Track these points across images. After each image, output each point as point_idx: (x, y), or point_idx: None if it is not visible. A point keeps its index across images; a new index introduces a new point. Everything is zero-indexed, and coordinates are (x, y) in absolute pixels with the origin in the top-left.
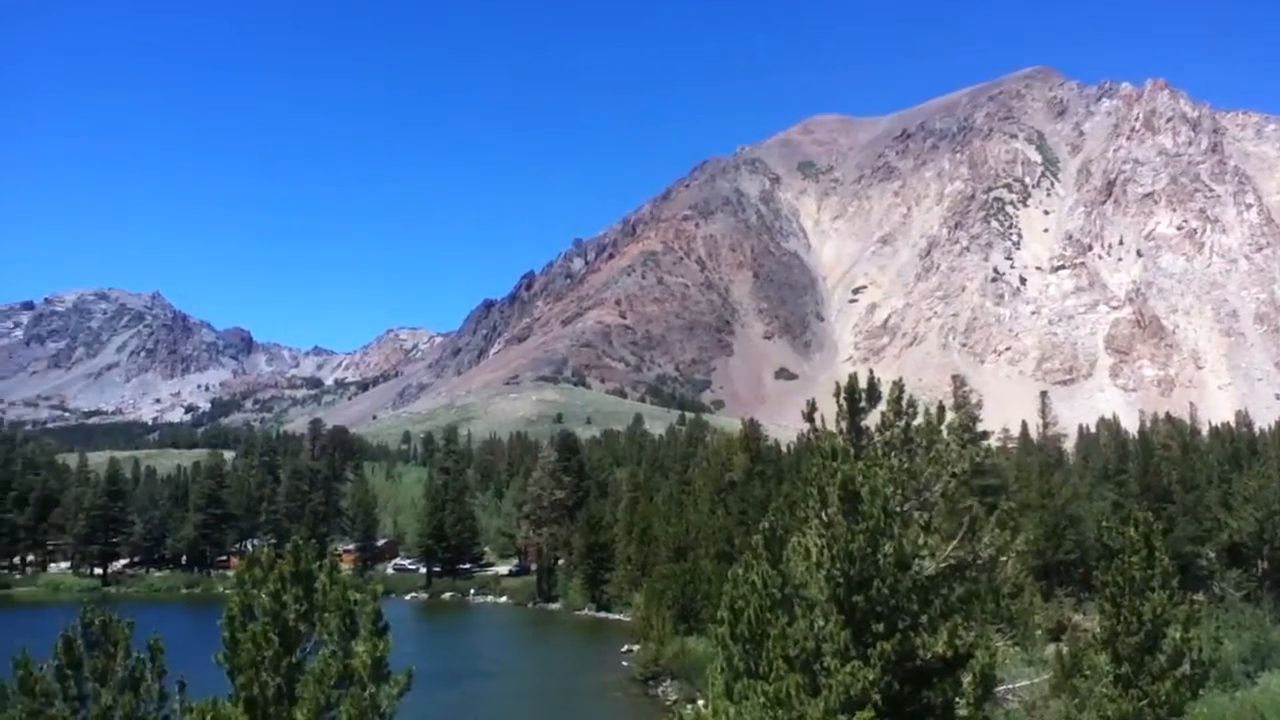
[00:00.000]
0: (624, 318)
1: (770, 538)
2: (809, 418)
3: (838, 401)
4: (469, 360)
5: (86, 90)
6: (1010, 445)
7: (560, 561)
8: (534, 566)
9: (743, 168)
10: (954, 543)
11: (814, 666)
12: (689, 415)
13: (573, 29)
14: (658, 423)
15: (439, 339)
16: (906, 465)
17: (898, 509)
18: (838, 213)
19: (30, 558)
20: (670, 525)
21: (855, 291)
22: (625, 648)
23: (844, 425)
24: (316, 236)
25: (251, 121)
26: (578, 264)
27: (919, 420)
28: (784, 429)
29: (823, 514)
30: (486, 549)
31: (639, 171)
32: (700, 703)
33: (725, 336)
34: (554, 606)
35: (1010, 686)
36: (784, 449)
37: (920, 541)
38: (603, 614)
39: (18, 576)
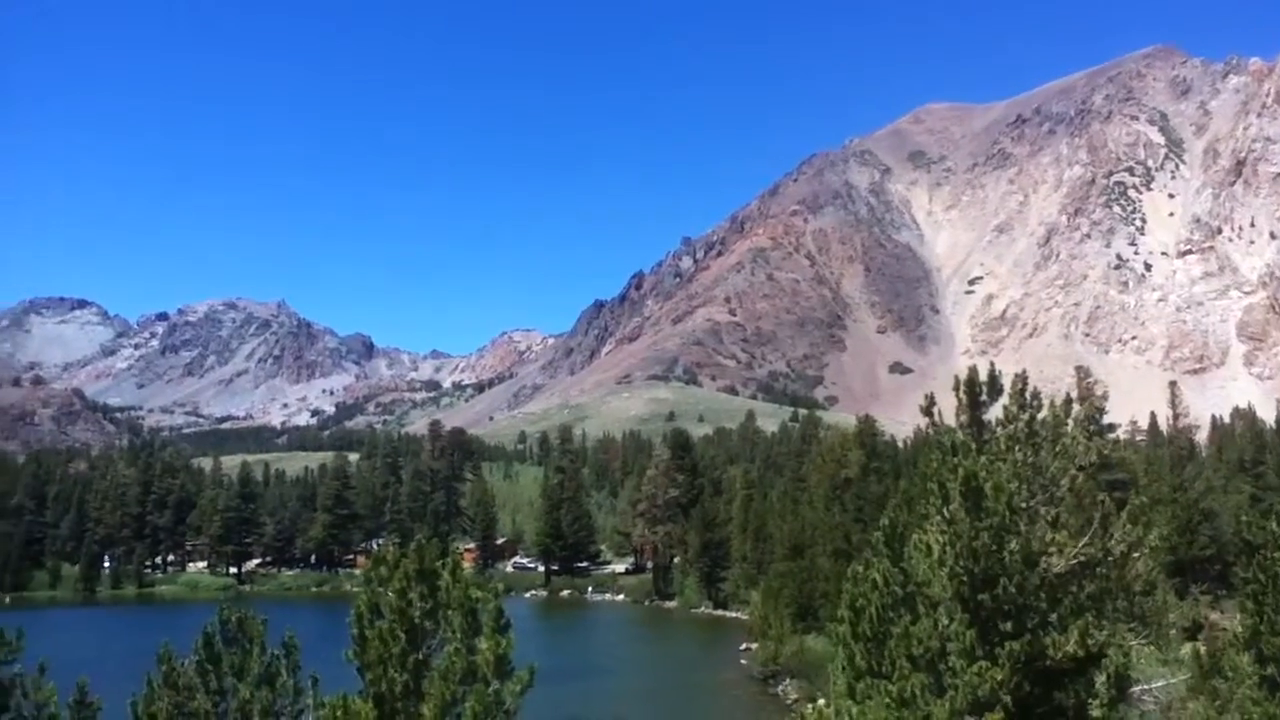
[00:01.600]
0: (734, 315)
1: (890, 535)
2: (927, 412)
3: (957, 395)
4: (581, 361)
5: (212, 106)
6: (1139, 438)
7: (676, 559)
8: (650, 564)
9: (852, 160)
10: (1083, 539)
11: (939, 666)
12: (802, 412)
13: (677, 25)
14: (770, 420)
15: (551, 340)
16: (1031, 460)
17: (1023, 505)
18: (951, 202)
19: (170, 557)
20: (785, 523)
21: (971, 282)
22: (743, 645)
23: (964, 419)
24: (432, 242)
25: (368, 132)
26: (686, 262)
27: (1043, 413)
28: (900, 424)
29: (944, 510)
30: (603, 547)
31: (746, 168)
32: (821, 702)
33: (837, 331)
34: (670, 604)
35: (1146, 687)
36: (900, 445)
37: (1048, 538)
38: (719, 612)
39: (159, 575)
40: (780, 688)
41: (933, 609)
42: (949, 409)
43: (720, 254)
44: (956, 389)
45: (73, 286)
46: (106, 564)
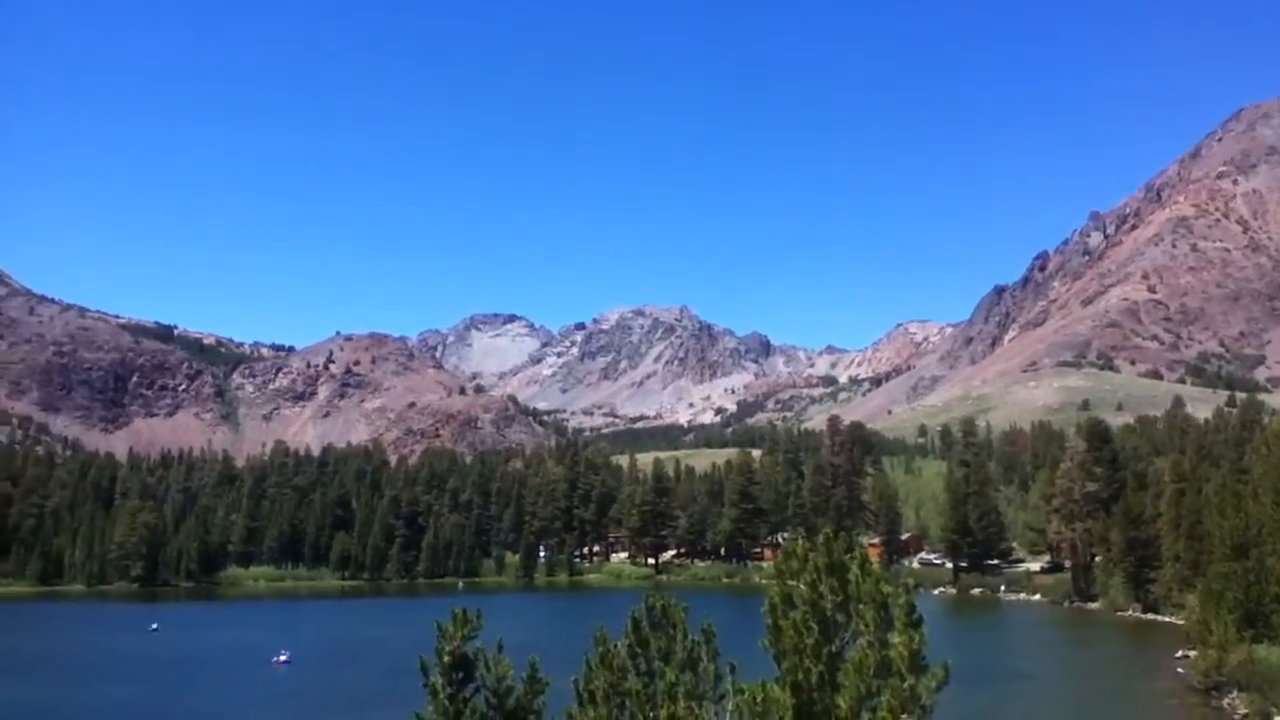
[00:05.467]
0: (1154, 292)
1: None
2: None
3: None
4: (982, 349)
5: (610, 131)
6: None
7: (1097, 558)
8: (1067, 563)
9: None
10: None
11: None
12: (1240, 395)
13: None
14: (1201, 405)
15: (949, 330)
16: None
17: None
18: None
19: (595, 548)
20: (1226, 519)
21: None
22: (1179, 653)
23: None
24: (825, 238)
25: (763, 140)
26: (1096, 239)
27: None
28: None
29: None
30: (1014, 544)
31: (1158, 130)
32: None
33: None
34: (1093, 606)
35: None
36: None
37: None
38: (1149, 615)
39: (586, 565)
40: (1226, 700)
41: None
42: None
43: (1135, 227)
44: None
45: (505, 302)
46: (541, 553)
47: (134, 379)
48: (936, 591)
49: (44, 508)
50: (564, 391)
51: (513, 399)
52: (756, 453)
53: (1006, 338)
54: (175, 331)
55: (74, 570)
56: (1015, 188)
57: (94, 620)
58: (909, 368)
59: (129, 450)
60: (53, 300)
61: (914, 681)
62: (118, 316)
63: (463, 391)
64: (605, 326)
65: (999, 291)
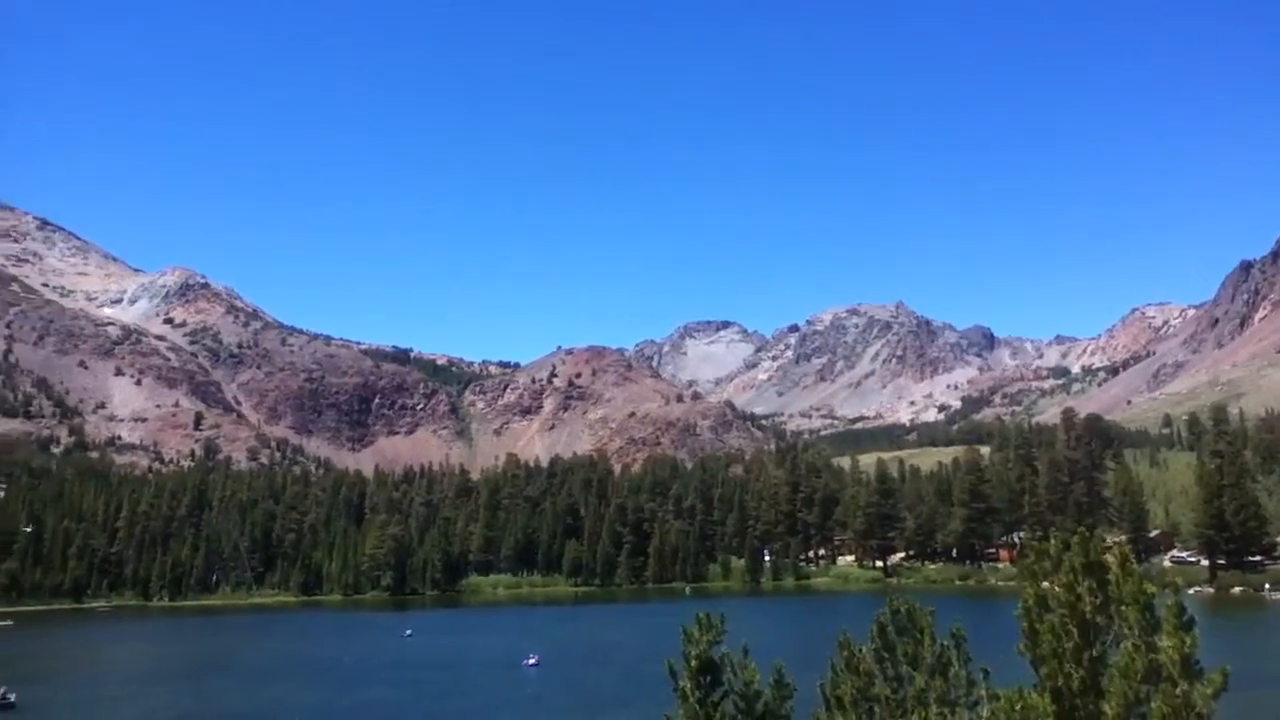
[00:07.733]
0: None
1: None
2: None
3: None
4: (1229, 331)
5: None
6: None
7: None
8: None
9: None
10: None
11: None
12: None
13: None
14: None
15: (1191, 312)
16: None
17: None
18: None
19: (820, 551)
20: None
21: None
22: None
23: None
24: (1046, 222)
25: (971, 127)
26: None
27: None
28: None
29: None
30: (1278, 539)
31: None
32: None
33: None
34: None
35: None
36: None
37: None
38: None
39: (812, 568)
40: None
41: None
42: None
43: None
44: None
45: (718, 309)
46: (766, 558)
47: (376, 400)
48: (1192, 591)
49: (302, 523)
50: (780, 395)
51: (730, 404)
52: (985, 450)
53: (1257, 317)
54: (411, 354)
55: (331, 581)
56: (1256, 155)
57: (353, 628)
58: (1148, 354)
59: (375, 467)
60: (302, 331)
61: (1187, 687)
62: (359, 343)
63: (680, 399)
64: (819, 328)
65: (1246, 267)
